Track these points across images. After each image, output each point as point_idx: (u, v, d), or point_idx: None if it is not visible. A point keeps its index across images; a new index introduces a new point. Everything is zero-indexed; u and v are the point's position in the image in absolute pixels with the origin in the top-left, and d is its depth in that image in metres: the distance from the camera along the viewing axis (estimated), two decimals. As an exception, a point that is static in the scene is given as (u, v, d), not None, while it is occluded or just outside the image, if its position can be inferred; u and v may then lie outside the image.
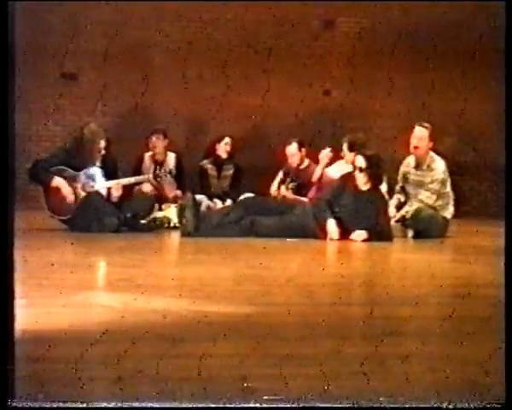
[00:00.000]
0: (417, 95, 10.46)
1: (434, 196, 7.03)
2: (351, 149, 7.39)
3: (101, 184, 6.94)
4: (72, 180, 6.85)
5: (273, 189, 8.34)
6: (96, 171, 6.98)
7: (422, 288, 4.02)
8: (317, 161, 7.95)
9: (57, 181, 6.79)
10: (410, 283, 4.24)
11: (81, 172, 6.90)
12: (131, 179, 7.27)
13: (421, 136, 7.10)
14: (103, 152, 7.05)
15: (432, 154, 7.18)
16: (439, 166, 7.11)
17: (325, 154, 7.73)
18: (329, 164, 7.80)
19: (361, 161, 6.63)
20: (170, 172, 7.70)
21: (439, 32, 10.45)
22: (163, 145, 8.40)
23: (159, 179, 7.51)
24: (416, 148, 7.12)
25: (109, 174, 7.04)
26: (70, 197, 6.79)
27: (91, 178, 6.93)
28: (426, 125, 7.18)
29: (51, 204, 6.81)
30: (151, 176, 7.47)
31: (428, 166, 7.11)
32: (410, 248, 6.56)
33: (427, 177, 7.08)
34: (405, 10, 10.37)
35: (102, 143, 7.06)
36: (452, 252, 6.48)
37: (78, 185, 6.88)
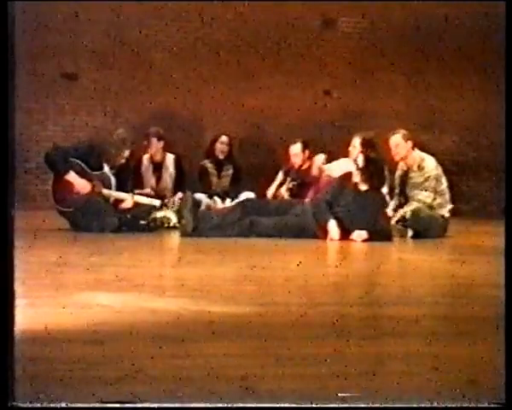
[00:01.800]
0: (417, 95, 10.46)
1: (432, 194, 7.09)
2: (363, 146, 7.45)
3: (110, 192, 6.92)
4: (84, 177, 6.83)
5: (270, 192, 8.31)
6: (109, 177, 6.97)
7: (422, 288, 4.02)
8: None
9: (72, 177, 6.77)
10: (409, 283, 4.24)
11: (94, 174, 6.88)
12: (143, 199, 7.19)
13: (396, 143, 7.25)
14: (123, 161, 7.06)
15: (420, 153, 7.30)
16: (429, 163, 7.21)
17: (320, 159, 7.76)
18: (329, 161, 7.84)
19: (360, 161, 6.66)
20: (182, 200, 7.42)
21: (439, 33, 10.46)
22: (158, 146, 8.34)
23: (171, 206, 7.35)
24: (396, 154, 7.25)
25: (121, 184, 7.03)
26: (84, 190, 6.77)
27: (103, 182, 6.92)
28: (396, 131, 7.28)
29: (58, 193, 6.78)
30: (158, 202, 7.25)
31: (419, 167, 7.21)
32: (410, 248, 6.56)
33: (420, 177, 7.16)
34: (405, 10, 10.37)
35: (127, 153, 7.07)
36: (452, 252, 6.47)
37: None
